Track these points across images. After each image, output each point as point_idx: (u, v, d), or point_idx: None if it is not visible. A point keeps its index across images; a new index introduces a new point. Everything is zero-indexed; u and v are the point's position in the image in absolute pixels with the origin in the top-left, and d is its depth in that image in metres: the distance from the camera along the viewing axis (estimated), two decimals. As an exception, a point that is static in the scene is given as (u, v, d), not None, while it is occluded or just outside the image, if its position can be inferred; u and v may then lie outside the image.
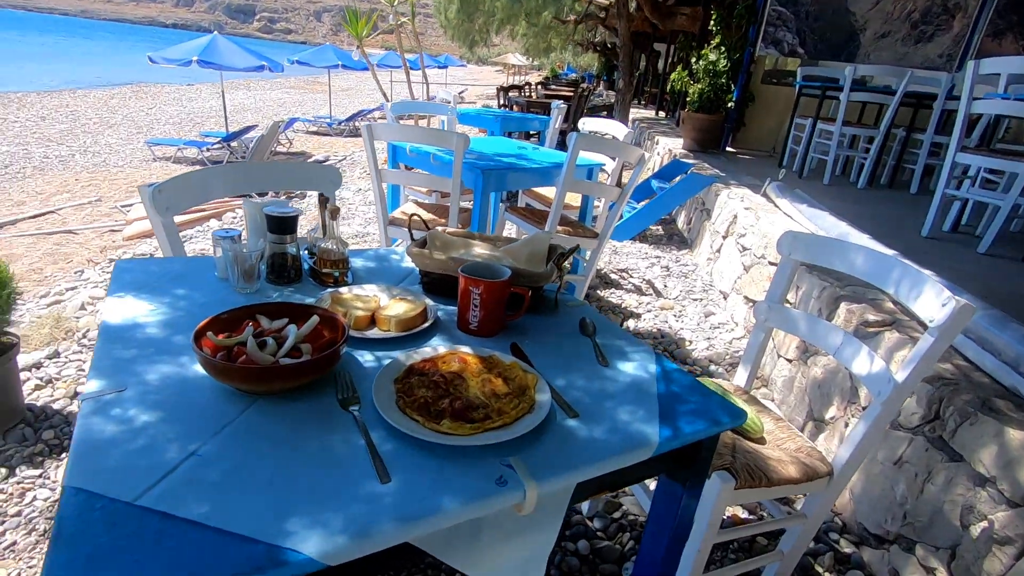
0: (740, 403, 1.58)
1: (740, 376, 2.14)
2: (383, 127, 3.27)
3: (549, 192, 4.30)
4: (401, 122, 4.84)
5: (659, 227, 6.27)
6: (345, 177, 6.51)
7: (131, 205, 6.09)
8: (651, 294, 4.45)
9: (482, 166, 3.25)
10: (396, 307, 1.37)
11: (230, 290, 1.45)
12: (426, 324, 1.35)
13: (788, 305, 2.07)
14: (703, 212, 5.54)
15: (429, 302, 1.45)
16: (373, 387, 1.04)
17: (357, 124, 14.02)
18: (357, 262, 1.76)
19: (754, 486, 1.49)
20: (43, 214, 4.49)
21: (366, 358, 1.22)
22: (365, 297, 1.43)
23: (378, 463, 0.89)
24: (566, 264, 1.60)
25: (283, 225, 1.47)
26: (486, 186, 3.27)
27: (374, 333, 1.30)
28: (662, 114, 14.08)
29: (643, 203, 5.82)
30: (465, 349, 1.23)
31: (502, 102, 12.04)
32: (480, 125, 6.90)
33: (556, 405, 1.10)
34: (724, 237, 4.74)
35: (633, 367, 1.30)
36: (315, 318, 1.16)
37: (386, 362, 1.17)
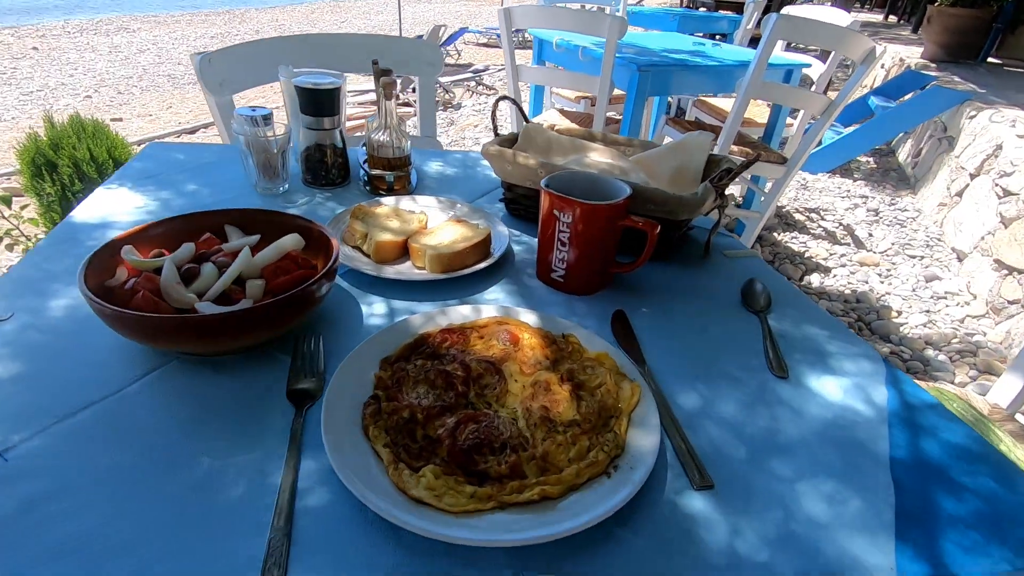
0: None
1: (1003, 389, 1.36)
2: (521, 8, 2.68)
3: (728, 104, 3.41)
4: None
5: (870, 158, 4.93)
6: (502, 90, 6.03)
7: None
8: (848, 243, 3.45)
9: (640, 62, 2.54)
10: (444, 232, 0.90)
11: (251, 189, 1.08)
12: (482, 264, 0.85)
13: None
14: (942, 141, 4.15)
15: (503, 230, 0.95)
16: (336, 374, 0.59)
17: (528, 35, 13.30)
18: (434, 166, 1.30)
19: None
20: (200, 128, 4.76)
21: (373, 312, 0.77)
22: (408, 213, 0.97)
23: (278, 541, 0.45)
24: (730, 191, 0.97)
25: (317, 102, 1.05)
26: (642, 88, 2.57)
27: (401, 271, 0.84)
28: (892, 18, 11.22)
29: (852, 127, 4.54)
30: (527, 316, 0.72)
31: (686, 2, 10.49)
32: (655, 27, 5.90)
33: (675, 461, 0.56)
34: (973, 176, 3.47)
35: (839, 388, 0.69)
36: (290, 239, 0.73)
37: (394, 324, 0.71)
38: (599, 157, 1.09)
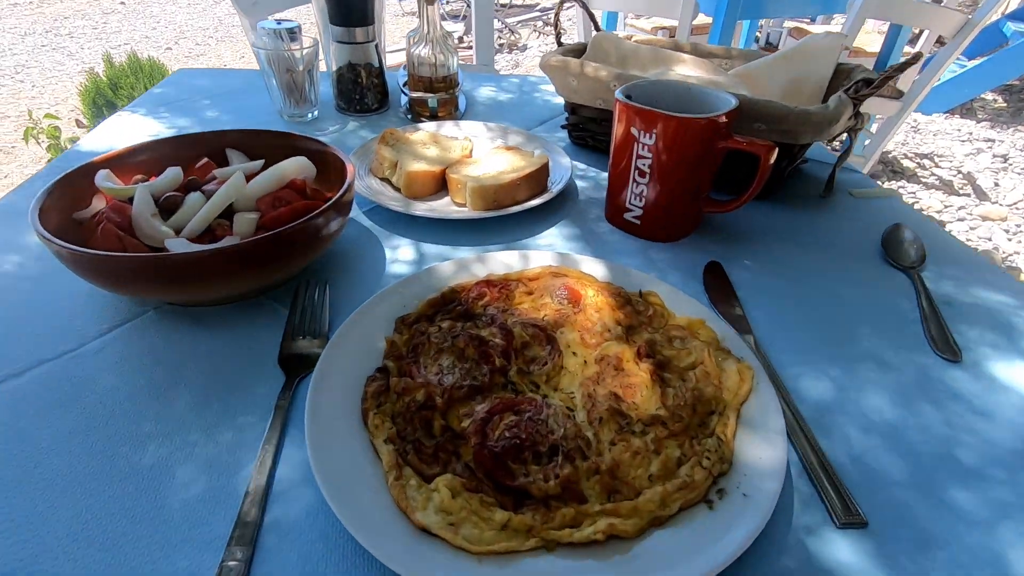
0: None
1: None
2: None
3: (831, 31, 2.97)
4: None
5: (998, 95, 4.26)
6: (571, 31, 5.60)
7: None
8: (968, 194, 2.98)
9: (731, -23, 2.18)
10: (491, 162, 0.72)
11: (275, 114, 0.94)
12: (536, 200, 0.68)
13: None
14: (1097, 72, 3.48)
15: (563, 160, 0.77)
16: (336, 335, 0.44)
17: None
18: (485, 91, 1.12)
19: None
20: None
21: (399, 257, 0.62)
22: (449, 140, 0.80)
23: (234, 572, 0.32)
24: (863, 110, 0.73)
25: (347, 7, 0.88)
26: (733, 9, 2.23)
27: (435, 207, 0.69)
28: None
29: (979, 59, 3.89)
30: (591, 267, 0.55)
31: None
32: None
33: (805, 481, 0.38)
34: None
35: (1042, 379, 0.48)
36: (294, 163, 0.58)
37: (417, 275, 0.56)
38: (689, 70, 0.87)
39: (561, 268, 0.53)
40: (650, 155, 0.60)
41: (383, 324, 0.47)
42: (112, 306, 0.52)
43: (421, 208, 0.67)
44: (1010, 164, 3.32)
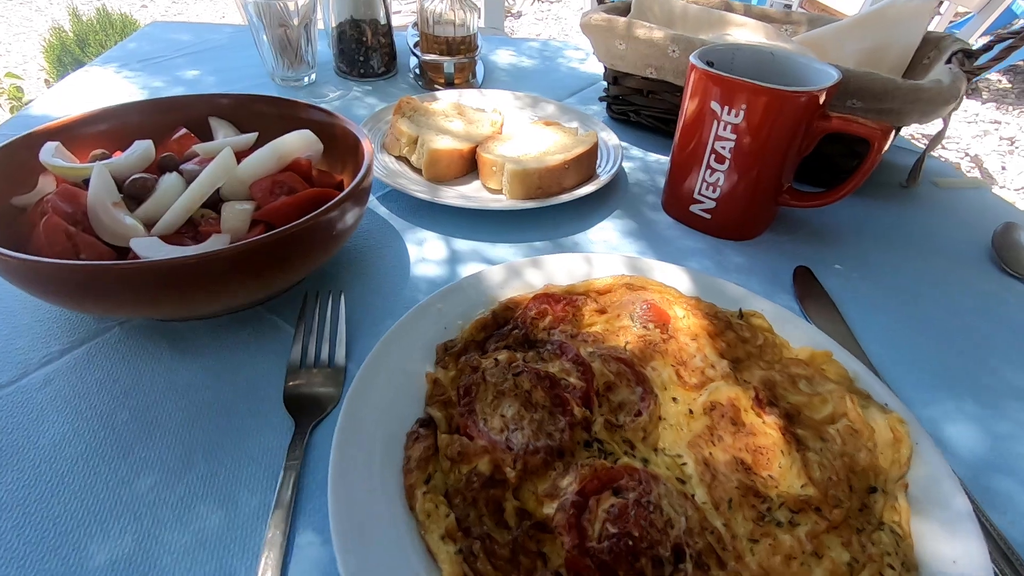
0: None
1: None
2: None
3: (846, 4, 2.85)
4: None
5: (1003, 76, 4.18)
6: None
7: None
8: (976, 178, 2.91)
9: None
10: (528, 139, 0.61)
11: (266, 77, 0.81)
12: (586, 188, 0.57)
13: None
14: (1109, 53, 3.40)
15: (610, 139, 0.65)
16: (361, 371, 0.34)
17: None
18: (503, 56, 0.99)
19: None
20: None
21: (425, 255, 0.51)
22: (475, 111, 0.68)
23: None
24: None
25: (350, -48, 0.75)
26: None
27: (466, 193, 0.57)
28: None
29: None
30: (667, 274, 0.44)
31: None
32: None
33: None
34: None
35: None
36: (297, 139, 0.46)
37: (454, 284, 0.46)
38: (747, 35, 0.76)
39: (636, 278, 0.43)
40: (733, 136, 0.50)
41: (421, 353, 0.36)
42: (63, 322, 0.41)
43: (449, 194, 0.55)
44: (1016, 147, 3.25)
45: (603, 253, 0.48)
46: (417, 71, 0.87)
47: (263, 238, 0.35)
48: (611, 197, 0.61)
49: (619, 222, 0.57)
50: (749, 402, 0.33)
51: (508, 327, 0.38)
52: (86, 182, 0.41)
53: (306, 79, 0.81)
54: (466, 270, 0.49)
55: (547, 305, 0.40)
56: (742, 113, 0.48)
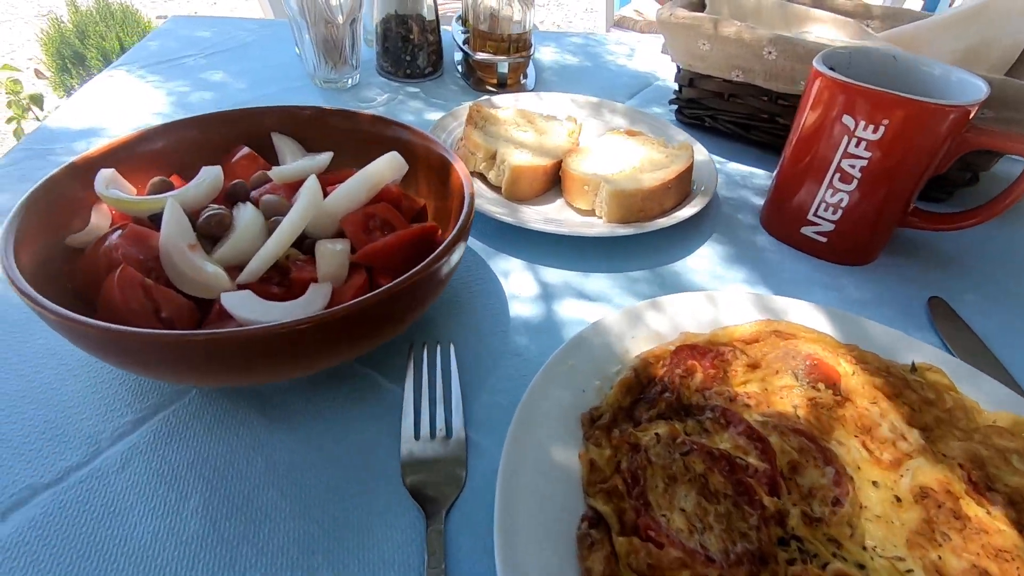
0: None
1: None
2: None
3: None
4: None
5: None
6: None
7: None
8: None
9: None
10: (612, 154, 0.55)
11: (306, 81, 0.75)
12: (687, 210, 0.51)
13: None
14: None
15: (699, 152, 0.60)
16: (506, 460, 0.28)
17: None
18: (546, 53, 0.93)
19: None
20: None
21: (516, 290, 0.45)
22: (545, 120, 0.62)
23: None
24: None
25: (400, -58, 0.68)
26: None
27: (556, 217, 0.52)
28: None
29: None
30: (804, 314, 0.39)
31: None
32: None
33: None
34: None
35: None
36: (388, 164, 0.40)
37: (574, 332, 0.40)
38: (829, 32, 0.70)
39: (783, 324, 0.38)
40: (867, 154, 0.44)
41: (563, 425, 0.31)
42: (132, 384, 0.35)
43: (535, 217, 0.49)
44: None
45: (722, 289, 0.43)
46: (462, 70, 0.81)
47: (381, 294, 0.29)
48: (703, 216, 0.55)
49: (718, 246, 0.52)
50: (962, 485, 0.28)
51: (656, 389, 0.33)
52: (152, 217, 0.36)
53: (349, 81, 0.74)
54: (564, 307, 0.44)
55: (693, 360, 0.34)
56: (882, 129, 0.43)
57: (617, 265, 0.48)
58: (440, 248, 0.32)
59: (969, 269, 0.51)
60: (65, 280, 0.33)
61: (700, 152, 0.58)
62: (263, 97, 0.71)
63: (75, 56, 1.99)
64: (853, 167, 0.45)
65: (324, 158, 0.42)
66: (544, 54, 0.93)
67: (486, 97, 0.68)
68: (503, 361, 0.39)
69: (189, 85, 0.72)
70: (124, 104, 0.67)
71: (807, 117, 0.47)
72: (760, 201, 0.59)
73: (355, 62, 0.74)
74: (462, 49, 0.78)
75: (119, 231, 0.35)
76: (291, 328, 0.27)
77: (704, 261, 0.50)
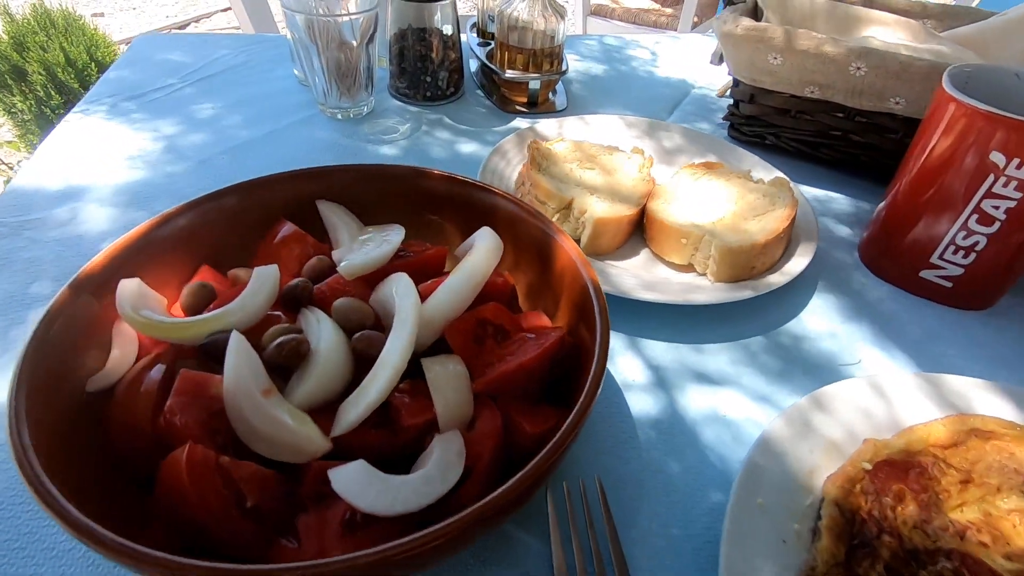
0: None
1: None
2: None
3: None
4: None
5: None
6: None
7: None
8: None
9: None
10: (700, 194, 0.48)
11: (314, 109, 0.66)
12: (799, 264, 0.45)
13: None
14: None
15: (790, 192, 0.53)
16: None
17: None
18: (569, 60, 0.85)
19: None
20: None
21: (623, 374, 0.38)
22: (611, 155, 0.54)
23: None
24: None
25: (419, -51, 0.59)
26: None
27: (646, 278, 0.45)
28: None
29: None
30: (991, 399, 0.34)
31: None
32: None
33: None
34: None
35: None
36: (487, 250, 0.32)
37: (710, 430, 0.34)
38: (891, 35, 0.64)
39: (978, 420, 0.32)
40: (1018, 195, 0.39)
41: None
42: None
43: (630, 280, 0.42)
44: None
45: (879, 372, 0.36)
46: (480, 82, 0.73)
47: (540, 464, 0.22)
48: (822, 266, 0.49)
49: (829, 296, 0.46)
50: None
51: (870, 531, 0.27)
52: (206, 350, 0.27)
53: (365, 108, 0.65)
54: (688, 396, 0.37)
55: (898, 483, 0.28)
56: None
57: (729, 332, 0.42)
58: (588, 387, 0.25)
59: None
60: (87, 437, 0.25)
61: (796, 201, 0.52)
62: (269, 136, 0.61)
63: (14, 71, 1.81)
64: (997, 208, 0.40)
65: (396, 238, 0.34)
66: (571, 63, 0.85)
67: (529, 125, 0.60)
68: (647, 482, 0.32)
69: (176, 124, 0.62)
70: (102, 151, 0.56)
71: (934, 147, 0.41)
72: (850, 231, 0.53)
73: (370, 85, 0.64)
74: (487, 65, 0.69)
75: (159, 368, 0.27)
76: (440, 538, 0.19)
77: (819, 319, 0.44)
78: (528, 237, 0.35)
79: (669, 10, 2.21)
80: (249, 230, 0.36)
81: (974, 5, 0.71)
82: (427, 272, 0.34)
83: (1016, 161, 0.38)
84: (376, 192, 0.38)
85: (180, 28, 3.59)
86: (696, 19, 2.01)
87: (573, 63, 0.84)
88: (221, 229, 0.35)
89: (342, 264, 0.31)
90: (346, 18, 0.57)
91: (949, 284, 0.45)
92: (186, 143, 0.59)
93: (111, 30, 3.49)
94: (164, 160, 0.56)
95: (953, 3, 1.74)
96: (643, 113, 0.71)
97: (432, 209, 0.38)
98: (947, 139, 0.41)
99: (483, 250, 0.31)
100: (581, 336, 0.30)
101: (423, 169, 0.38)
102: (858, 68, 0.51)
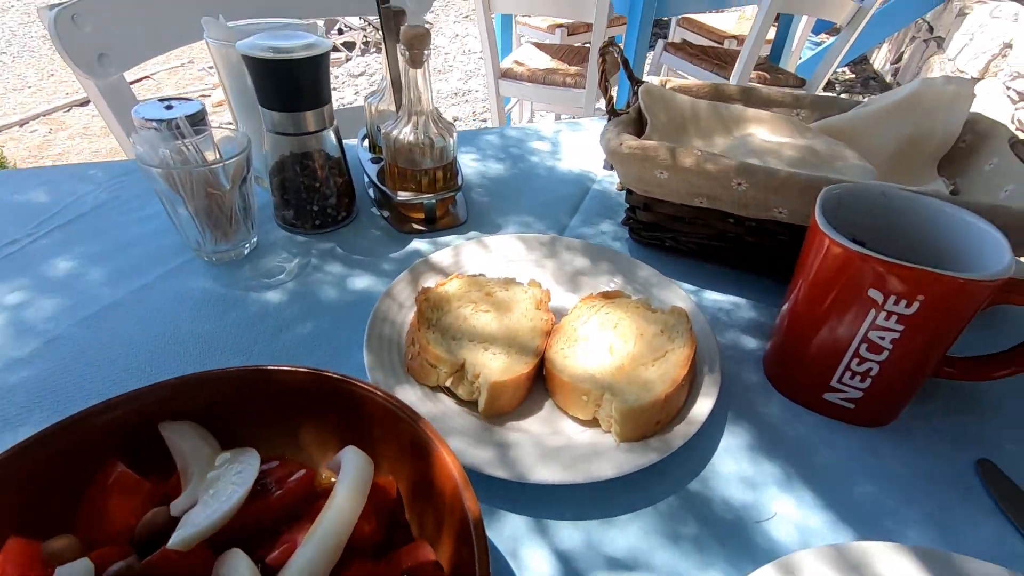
0: None
1: None
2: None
3: (723, 21, 3.00)
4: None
5: (845, 68, 4.65)
6: (439, 21, 5.25)
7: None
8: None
9: (643, -27, 2.06)
10: (599, 337, 0.46)
11: (190, 255, 0.60)
12: (705, 406, 0.43)
13: None
14: (928, 43, 3.88)
15: (693, 316, 0.52)
16: None
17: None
18: (468, 159, 0.84)
19: None
20: (138, 80, 3.87)
21: (531, 567, 0.35)
22: (506, 289, 0.52)
23: None
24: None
25: (289, 83, 0.56)
26: (648, 7, 2.10)
27: (546, 441, 0.42)
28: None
29: (829, 37, 4.20)
30: (892, 561, 0.32)
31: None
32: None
33: None
34: (977, 80, 3.21)
35: None
36: (357, 485, 0.28)
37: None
38: (771, 134, 0.67)
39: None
40: (899, 328, 0.39)
41: None
42: None
43: (532, 450, 0.39)
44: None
45: (796, 551, 0.34)
46: (374, 198, 0.70)
47: None
48: (730, 390, 0.47)
49: (738, 430, 0.44)
50: None
51: None
52: None
53: (247, 247, 0.61)
54: (608, 590, 0.34)
55: None
56: (917, 304, 0.37)
57: (639, 497, 0.39)
58: None
59: (1000, 413, 0.47)
60: None
61: (695, 316, 0.51)
62: (136, 294, 0.55)
63: None
64: (883, 339, 0.40)
65: (247, 477, 0.29)
66: (464, 161, 0.84)
67: (423, 259, 0.58)
68: None
69: (25, 291, 0.55)
70: (-71, 339, 0.49)
71: (817, 274, 0.41)
72: (756, 344, 0.53)
73: (251, 225, 0.60)
74: (379, 187, 0.67)
75: None
76: None
77: (731, 461, 0.42)
78: (409, 435, 0.32)
79: (573, 69, 2.30)
80: (74, 477, 0.30)
81: (843, 96, 0.75)
82: (289, 509, 0.30)
83: (896, 298, 0.38)
84: (230, 398, 0.33)
85: (82, 104, 3.40)
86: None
87: (472, 164, 0.83)
88: (36, 485, 0.30)
89: (173, 538, 0.26)
90: (219, 165, 0.53)
91: (851, 406, 0.44)
92: (36, 317, 0.52)
93: (3, 112, 3.25)
94: (2, 342, 0.49)
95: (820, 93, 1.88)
96: (547, 216, 0.70)
97: (295, 411, 0.34)
98: (826, 271, 0.41)
99: (343, 494, 0.27)
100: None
101: (274, 369, 0.33)
102: (739, 183, 0.52)
